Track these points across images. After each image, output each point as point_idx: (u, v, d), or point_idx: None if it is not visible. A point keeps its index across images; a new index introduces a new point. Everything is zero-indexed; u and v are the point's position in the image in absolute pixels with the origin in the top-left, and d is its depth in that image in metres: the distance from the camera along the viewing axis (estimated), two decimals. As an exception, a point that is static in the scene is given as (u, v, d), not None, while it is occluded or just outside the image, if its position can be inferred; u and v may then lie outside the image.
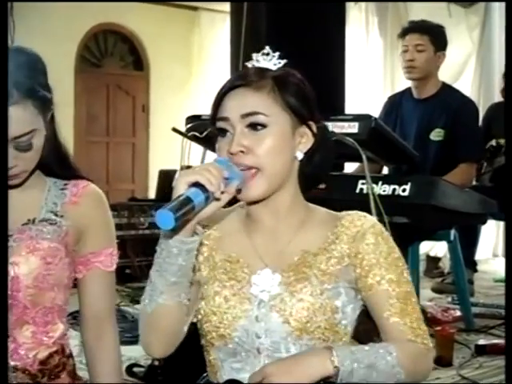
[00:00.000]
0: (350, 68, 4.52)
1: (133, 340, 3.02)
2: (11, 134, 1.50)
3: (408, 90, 4.19)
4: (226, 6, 4.77)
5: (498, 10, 6.92)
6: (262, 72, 1.42)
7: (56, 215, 1.64)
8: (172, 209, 1.25)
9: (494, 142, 4.72)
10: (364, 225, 1.43)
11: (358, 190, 3.21)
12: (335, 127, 2.82)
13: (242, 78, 1.42)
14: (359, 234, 1.42)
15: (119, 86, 8.15)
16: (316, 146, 1.45)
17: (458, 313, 3.87)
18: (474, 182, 4.30)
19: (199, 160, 3.37)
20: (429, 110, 4.02)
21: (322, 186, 1.70)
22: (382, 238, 1.43)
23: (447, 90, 4.13)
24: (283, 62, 1.45)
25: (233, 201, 1.42)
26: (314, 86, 1.48)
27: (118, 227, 4.67)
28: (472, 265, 4.78)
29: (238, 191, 1.38)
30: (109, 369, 1.68)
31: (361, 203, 2.96)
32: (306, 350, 1.36)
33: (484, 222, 4.04)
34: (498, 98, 5.23)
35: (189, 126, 3.26)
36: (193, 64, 8.33)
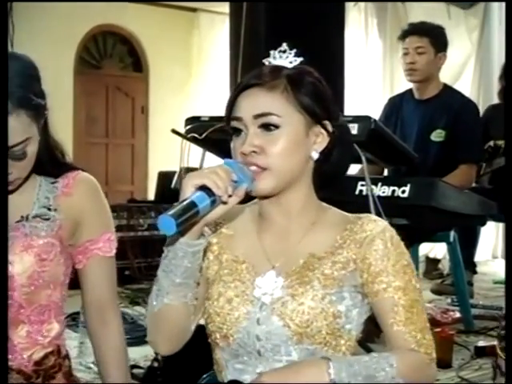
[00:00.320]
0: (349, 69, 4.52)
1: (132, 342, 3.00)
2: None
3: (409, 91, 4.19)
4: (226, 8, 4.77)
5: (498, 12, 6.93)
6: (277, 71, 1.40)
7: (49, 209, 1.63)
8: (174, 214, 1.22)
9: (491, 144, 4.72)
10: (374, 230, 1.40)
11: (357, 192, 3.20)
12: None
13: (256, 77, 1.40)
14: (368, 239, 1.40)
15: (118, 87, 8.15)
16: (332, 144, 1.43)
17: (458, 314, 3.86)
18: (474, 184, 4.30)
19: (198, 161, 3.36)
20: (430, 110, 4.02)
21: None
22: (392, 243, 1.40)
23: (448, 91, 4.13)
24: (299, 59, 1.43)
25: (247, 197, 1.40)
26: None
27: (117, 229, 4.61)
28: (471, 266, 4.77)
29: (249, 192, 1.37)
30: (114, 353, 1.68)
31: (360, 205, 2.97)
32: (305, 357, 1.35)
33: (483, 224, 4.04)
34: (496, 99, 5.22)
35: (188, 127, 3.26)
36: (192, 65, 8.33)
